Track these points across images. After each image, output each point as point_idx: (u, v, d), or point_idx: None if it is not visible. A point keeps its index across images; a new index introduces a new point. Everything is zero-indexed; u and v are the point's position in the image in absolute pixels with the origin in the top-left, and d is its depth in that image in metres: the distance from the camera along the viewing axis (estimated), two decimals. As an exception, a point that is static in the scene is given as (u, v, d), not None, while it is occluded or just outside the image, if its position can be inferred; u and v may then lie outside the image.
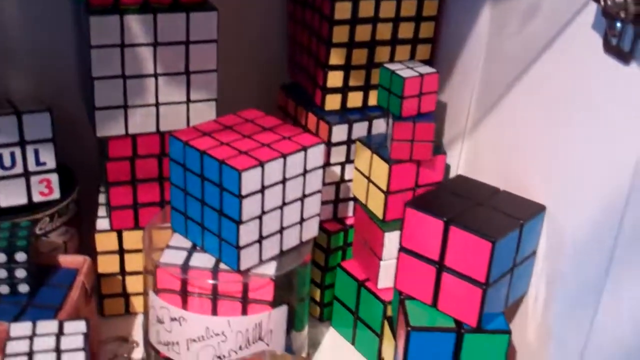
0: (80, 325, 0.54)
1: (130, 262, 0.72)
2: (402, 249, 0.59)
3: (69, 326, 0.54)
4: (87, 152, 0.74)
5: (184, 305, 0.62)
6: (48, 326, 0.54)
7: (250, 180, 0.58)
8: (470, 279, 0.56)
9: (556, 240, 0.57)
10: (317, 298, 0.75)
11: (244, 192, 0.58)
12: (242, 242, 0.60)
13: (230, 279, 0.61)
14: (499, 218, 0.57)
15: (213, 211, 0.60)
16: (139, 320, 0.74)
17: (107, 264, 0.72)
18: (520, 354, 0.62)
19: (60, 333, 0.53)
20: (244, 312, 0.62)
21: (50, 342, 0.53)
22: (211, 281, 0.61)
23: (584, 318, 0.52)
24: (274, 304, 0.62)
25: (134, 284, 0.73)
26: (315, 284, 0.74)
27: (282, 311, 0.63)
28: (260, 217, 0.60)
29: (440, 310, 0.58)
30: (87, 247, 0.72)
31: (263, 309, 0.62)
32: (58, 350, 0.52)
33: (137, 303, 0.74)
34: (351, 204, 0.73)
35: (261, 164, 0.58)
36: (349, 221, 0.73)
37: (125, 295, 0.74)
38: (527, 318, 0.61)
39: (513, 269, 0.58)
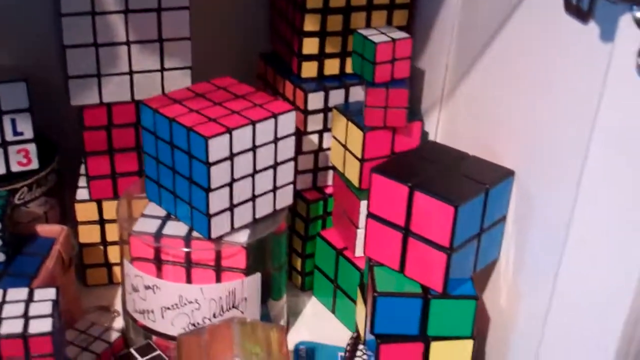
0: (50, 293, 0.55)
1: (111, 232, 0.72)
2: (369, 215, 0.59)
3: (39, 293, 0.54)
4: (68, 123, 0.74)
5: (159, 273, 0.62)
6: (18, 293, 0.54)
7: (217, 147, 0.58)
8: (435, 244, 0.55)
9: (525, 205, 0.56)
10: (299, 267, 0.75)
11: (211, 160, 0.58)
12: (212, 210, 0.60)
13: (203, 247, 0.61)
14: (464, 183, 0.56)
15: (183, 179, 0.60)
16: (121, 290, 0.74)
17: (88, 234, 0.72)
18: (493, 320, 0.62)
19: (29, 300, 0.54)
20: (218, 280, 0.62)
21: (19, 308, 0.53)
22: (184, 249, 0.61)
23: (548, 282, 0.52)
24: (248, 271, 0.62)
25: (115, 253, 0.73)
26: (296, 253, 0.74)
27: (255, 279, 0.63)
28: (230, 185, 0.60)
29: (407, 276, 0.58)
30: (70, 218, 0.73)
31: (236, 277, 0.62)
32: (26, 317, 0.52)
33: (119, 273, 0.74)
34: (330, 172, 0.73)
35: (229, 131, 0.58)
36: (329, 190, 0.73)
37: (108, 265, 0.74)
38: (498, 284, 0.60)
39: (480, 234, 0.57)
